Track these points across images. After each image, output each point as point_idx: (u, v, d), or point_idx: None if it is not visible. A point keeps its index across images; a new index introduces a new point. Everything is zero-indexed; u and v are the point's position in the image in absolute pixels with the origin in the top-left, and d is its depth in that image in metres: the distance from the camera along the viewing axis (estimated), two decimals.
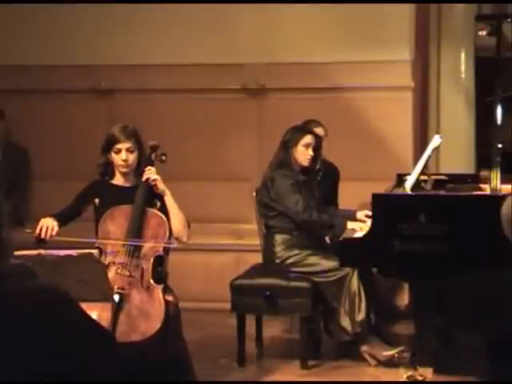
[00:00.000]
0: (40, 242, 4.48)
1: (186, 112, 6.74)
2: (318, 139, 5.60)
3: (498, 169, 4.73)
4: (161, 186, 4.52)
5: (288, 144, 5.48)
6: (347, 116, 6.50)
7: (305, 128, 5.60)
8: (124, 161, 4.49)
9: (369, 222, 4.98)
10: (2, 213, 2.15)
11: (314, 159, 5.52)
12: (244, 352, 5.31)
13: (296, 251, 5.36)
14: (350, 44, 6.48)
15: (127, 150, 4.50)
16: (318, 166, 5.75)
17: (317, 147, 5.55)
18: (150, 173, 4.51)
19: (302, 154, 5.46)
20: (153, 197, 4.52)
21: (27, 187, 6.80)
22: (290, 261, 5.36)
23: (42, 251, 3.48)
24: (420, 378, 4.60)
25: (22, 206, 6.60)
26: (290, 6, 6.49)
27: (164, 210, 4.50)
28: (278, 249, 5.40)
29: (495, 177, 4.73)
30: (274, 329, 5.98)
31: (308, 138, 5.48)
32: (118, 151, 4.50)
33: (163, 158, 4.70)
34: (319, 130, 5.78)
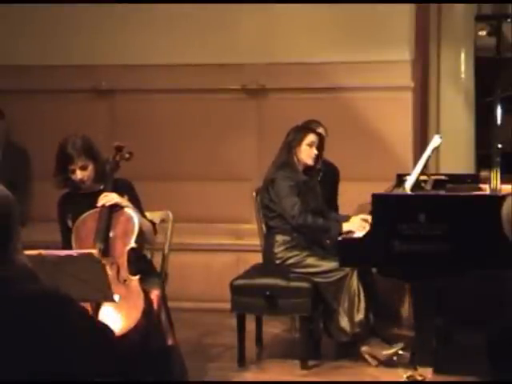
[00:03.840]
0: None
1: (186, 112, 6.74)
2: (321, 138, 5.60)
3: (497, 169, 4.73)
4: (120, 205, 4.54)
5: (291, 144, 5.47)
6: (347, 116, 6.50)
7: (307, 127, 5.61)
8: (80, 180, 4.57)
9: (367, 219, 4.99)
10: (14, 213, 2.16)
11: (317, 158, 5.53)
12: (244, 352, 5.31)
13: (296, 252, 5.36)
14: (350, 44, 6.48)
15: (80, 168, 4.55)
16: (318, 166, 5.75)
17: (320, 146, 5.56)
18: (106, 199, 4.53)
19: (307, 152, 5.46)
20: (121, 195, 4.57)
21: (27, 187, 6.79)
22: (289, 262, 5.36)
23: (42, 251, 3.48)
24: (420, 378, 4.60)
25: (22, 206, 6.59)
26: (290, 6, 6.49)
27: (134, 203, 4.59)
28: (278, 249, 5.40)
29: (495, 177, 4.73)
30: (274, 329, 5.98)
31: (311, 137, 5.49)
32: (73, 171, 4.56)
33: (127, 155, 4.76)
34: (320, 130, 5.78)
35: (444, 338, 5.20)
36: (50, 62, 6.80)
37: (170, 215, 5.07)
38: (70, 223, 4.60)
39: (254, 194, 5.75)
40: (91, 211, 4.52)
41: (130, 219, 4.49)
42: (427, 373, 4.62)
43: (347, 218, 5.48)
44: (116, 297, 4.10)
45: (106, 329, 2.31)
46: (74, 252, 3.73)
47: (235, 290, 5.35)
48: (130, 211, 4.51)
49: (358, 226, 5.21)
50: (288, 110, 6.39)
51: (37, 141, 6.67)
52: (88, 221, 4.51)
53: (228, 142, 6.69)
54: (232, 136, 6.69)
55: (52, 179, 4.67)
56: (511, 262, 4.37)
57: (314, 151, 5.48)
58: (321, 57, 6.50)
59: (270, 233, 5.51)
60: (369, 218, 4.90)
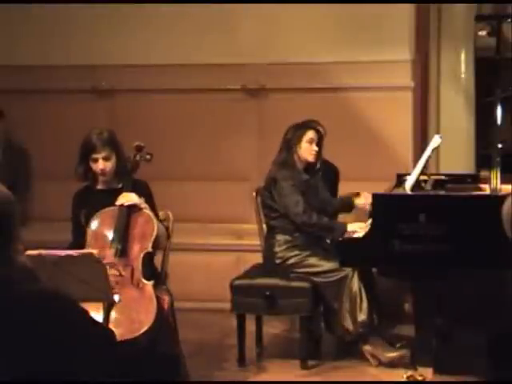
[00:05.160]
0: None
1: (186, 112, 6.74)
2: (320, 134, 5.57)
3: (497, 169, 4.73)
4: (139, 206, 4.51)
5: (290, 142, 5.46)
6: (347, 116, 6.50)
7: (306, 124, 5.57)
8: (102, 170, 4.53)
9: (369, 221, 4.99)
10: (15, 213, 2.16)
11: (318, 154, 5.51)
12: (244, 352, 5.31)
13: (296, 252, 5.36)
14: (350, 44, 6.48)
15: (104, 158, 4.53)
16: (318, 165, 5.74)
17: (320, 142, 5.54)
18: (125, 199, 4.49)
19: (307, 149, 5.45)
20: (138, 196, 4.54)
21: (27, 187, 6.79)
22: (290, 261, 5.36)
23: (43, 251, 3.48)
24: (420, 378, 4.60)
25: (22, 206, 6.59)
26: (291, 6, 6.49)
27: (150, 205, 4.55)
28: (279, 249, 5.40)
29: (495, 177, 4.73)
30: (274, 329, 5.98)
31: (310, 134, 5.48)
32: (95, 160, 4.53)
33: (148, 157, 4.72)
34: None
35: (444, 338, 5.19)
36: (50, 62, 6.80)
37: (170, 215, 5.06)
38: (82, 219, 4.54)
39: (254, 193, 5.75)
40: (109, 209, 4.46)
41: (148, 221, 4.44)
42: (427, 373, 4.61)
43: (353, 195, 5.48)
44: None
45: (106, 330, 2.32)
46: (74, 252, 3.72)
47: (235, 289, 5.35)
48: (149, 213, 4.48)
49: (363, 227, 5.21)
50: (288, 110, 6.39)
51: (37, 141, 6.67)
52: (105, 219, 4.44)
53: (228, 142, 6.69)
54: (232, 136, 6.69)
55: (74, 170, 4.63)
56: (511, 262, 4.37)
57: (315, 148, 5.47)
58: (321, 57, 6.50)
59: (271, 232, 5.50)
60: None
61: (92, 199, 4.57)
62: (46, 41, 6.85)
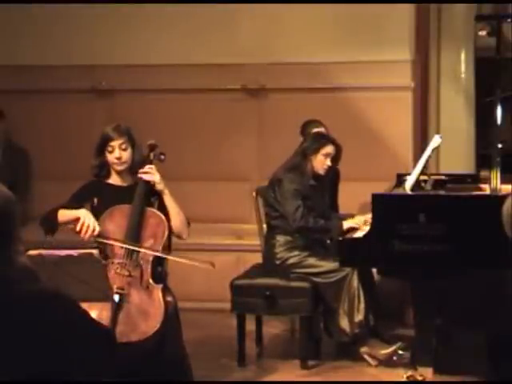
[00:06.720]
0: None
1: (186, 112, 6.74)
2: (338, 150, 5.53)
3: (497, 169, 4.73)
4: (159, 186, 4.49)
5: (307, 151, 5.44)
6: (347, 116, 6.50)
7: (327, 137, 5.56)
8: (118, 158, 4.47)
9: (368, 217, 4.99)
10: (15, 213, 2.15)
11: (329, 169, 5.50)
12: (244, 352, 5.31)
13: (296, 252, 5.36)
14: (350, 44, 6.48)
15: (120, 147, 4.47)
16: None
17: (336, 158, 5.51)
18: (148, 173, 4.47)
19: (321, 163, 5.44)
20: (151, 195, 4.51)
21: (27, 187, 6.79)
22: (290, 262, 5.36)
23: (43, 251, 3.47)
24: (420, 378, 4.60)
25: (22, 206, 6.59)
26: (290, 6, 6.49)
27: (162, 209, 4.49)
28: (279, 249, 5.40)
29: (495, 177, 4.73)
30: (274, 329, 5.98)
31: (329, 148, 5.46)
32: (112, 149, 4.48)
33: (162, 157, 4.68)
34: (320, 130, 5.76)
35: (444, 338, 5.19)
36: (50, 62, 6.81)
37: None
38: (95, 202, 4.46)
39: (254, 193, 5.75)
40: (122, 206, 4.39)
41: (160, 224, 4.38)
42: (427, 373, 4.61)
43: (351, 217, 5.48)
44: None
45: (106, 330, 2.32)
46: (74, 252, 3.72)
47: (235, 289, 5.35)
48: (161, 214, 4.40)
49: (358, 222, 5.22)
50: (288, 110, 6.40)
51: (37, 141, 6.68)
52: (117, 216, 4.38)
53: (228, 142, 6.70)
54: (232, 136, 6.69)
55: (90, 163, 4.58)
56: (511, 261, 4.37)
57: (328, 163, 5.45)
58: (321, 57, 6.50)
59: (272, 233, 5.50)
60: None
61: (104, 192, 4.50)
62: (46, 41, 6.85)
